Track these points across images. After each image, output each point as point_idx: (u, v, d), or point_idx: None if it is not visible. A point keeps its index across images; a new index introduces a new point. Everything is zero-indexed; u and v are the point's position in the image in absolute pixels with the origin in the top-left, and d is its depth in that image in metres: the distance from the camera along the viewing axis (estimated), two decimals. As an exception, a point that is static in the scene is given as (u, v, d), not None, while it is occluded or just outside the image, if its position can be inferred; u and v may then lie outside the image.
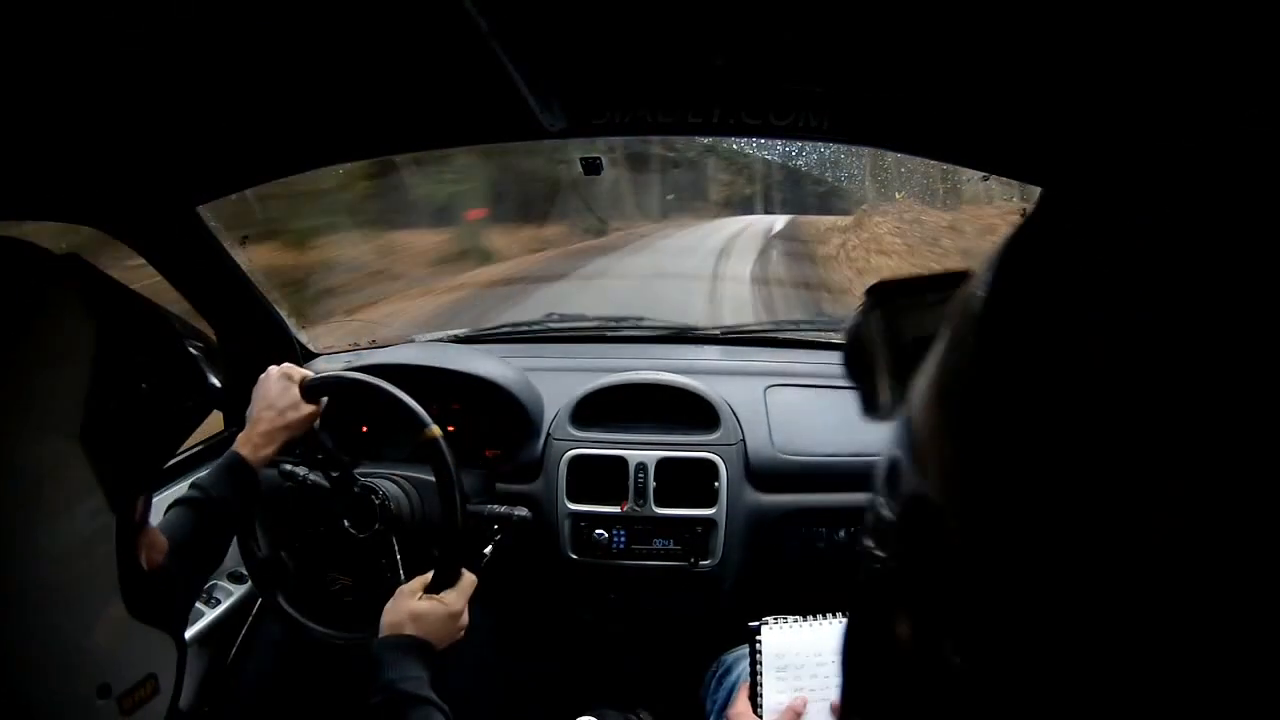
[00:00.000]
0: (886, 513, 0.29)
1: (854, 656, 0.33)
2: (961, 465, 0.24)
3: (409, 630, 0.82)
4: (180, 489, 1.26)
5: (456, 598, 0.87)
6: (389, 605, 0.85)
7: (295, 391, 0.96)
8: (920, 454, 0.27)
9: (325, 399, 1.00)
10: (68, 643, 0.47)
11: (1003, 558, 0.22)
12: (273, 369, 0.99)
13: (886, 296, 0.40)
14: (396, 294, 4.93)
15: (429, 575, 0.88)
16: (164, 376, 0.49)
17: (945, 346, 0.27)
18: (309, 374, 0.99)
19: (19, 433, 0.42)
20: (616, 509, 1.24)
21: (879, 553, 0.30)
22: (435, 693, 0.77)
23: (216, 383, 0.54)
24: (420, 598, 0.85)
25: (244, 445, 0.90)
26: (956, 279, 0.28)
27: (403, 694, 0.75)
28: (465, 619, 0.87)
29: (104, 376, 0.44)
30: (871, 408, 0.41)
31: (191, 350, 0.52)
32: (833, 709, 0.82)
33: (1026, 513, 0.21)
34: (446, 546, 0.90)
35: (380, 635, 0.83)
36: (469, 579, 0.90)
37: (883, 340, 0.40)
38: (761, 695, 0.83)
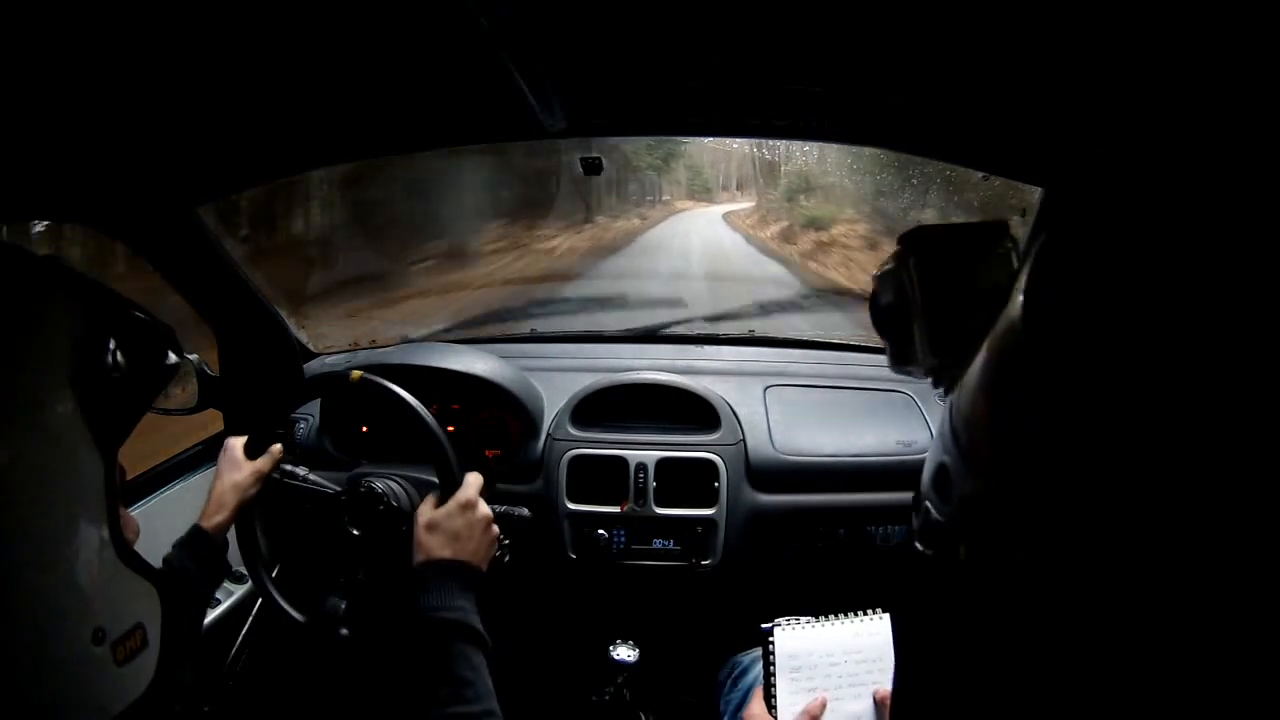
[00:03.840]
0: (935, 515, 0.29)
1: (911, 651, 0.34)
2: (1019, 463, 0.25)
3: (433, 545, 0.80)
4: (180, 488, 1.27)
5: (464, 491, 0.85)
6: (413, 537, 0.84)
7: (237, 454, 1.00)
8: (975, 456, 0.27)
9: (275, 447, 1.02)
10: (64, 580, 0.50)
11: (1059, 546, 0.23)
12: (225, 442, 1.03)
13: (923, 245, 0.38)
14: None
15: (435, 495, 0.87)
16: (132, 342, 0.56)
17: (993, 360, 0.28)
18: (243, 438, 1.02)
19: (25, 380, 0.49)
20: (617, 509, 1.24)
21: (928, 552, 0.30)
22: (482, 618, 0.75)
23: (174, 357, 0.60)
24: (431, 510, 0.84)
25: (202, 518, 0.95)
26: (993, 230, 0.29)
27: (443, 622, 0.73)
28: (485, 511, 0.85)
29: (87, 336, 0.52)
30: (903, 359, 0.40)
31: (150, 325, 0.58)
32: (878, 699, 0.82)
33: (1087, 501, 0.22)
34: (436, 457, 0.90)
35: (414, 562, 0.81)
36: (474, 475, 0.89)
37: (920, 289, 0.38)
38: (776, 697, 0.83)
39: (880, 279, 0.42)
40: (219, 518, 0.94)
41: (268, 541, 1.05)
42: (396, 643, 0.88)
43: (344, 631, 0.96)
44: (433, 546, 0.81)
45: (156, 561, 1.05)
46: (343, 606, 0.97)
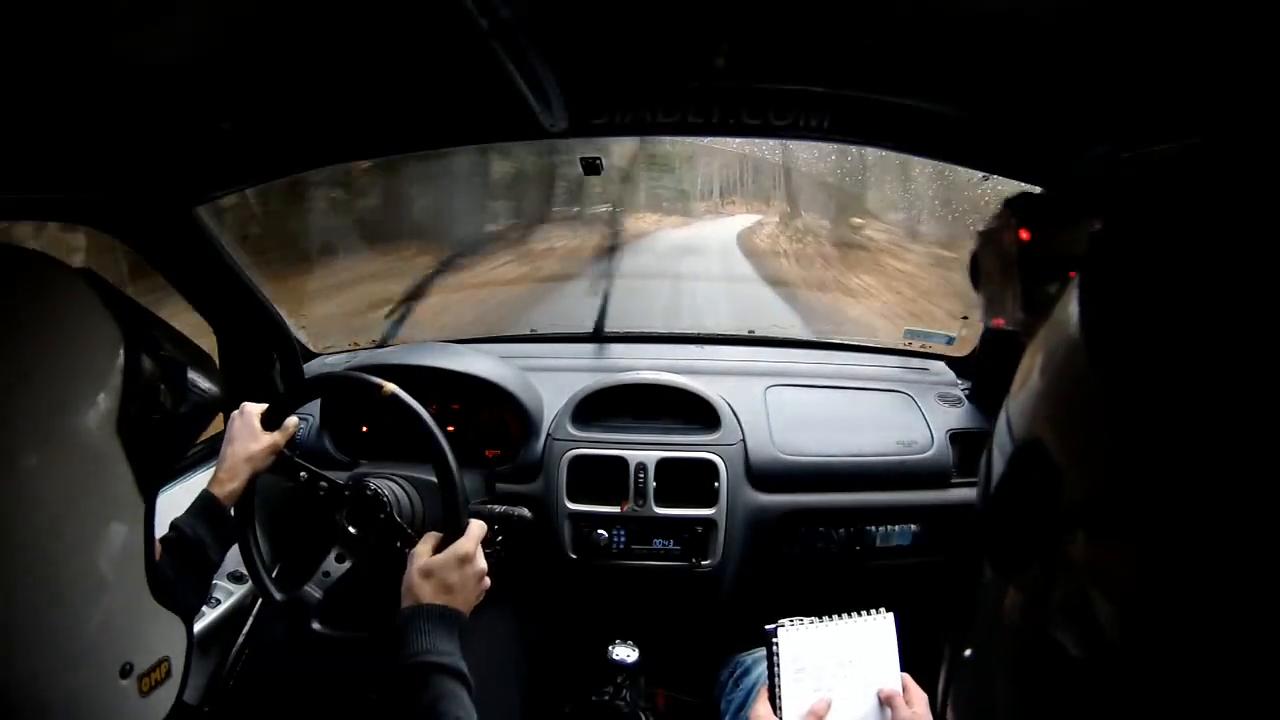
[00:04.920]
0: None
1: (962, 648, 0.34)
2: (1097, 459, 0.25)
3: (425, 592, 0.81)
4: (179, 488, 1.26)
5: (465, 543, 0.86)
6: (406, 574, 0.85)
7: (254, 424, 0.98)
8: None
9: (291, 420, 1.01)
10: (100, 615, 0.51)
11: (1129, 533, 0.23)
12: (241, 406, 1.02)
13: (1028, 209, 0.42)
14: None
15: (437, 534, 0.88)
16: (176, 378, 0.55)
17: (1050, 365, 0.29)
18: (262, 406, 1.00)
19: (70, 417, 0.48)
20: (616, 509, 1.24)
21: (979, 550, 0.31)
22: (465, 660, 0.77)
23: (215, 388, 0.59)
24: (430, 554, 0.85)
25: (213, 484, 0.94)
26: (1093, 206, 0.30)
27: (434, 665, 0.75)
28: (481, 565, 0.86)
29: (131, 371, 0.51)
30: (995, 312, 0.44)
31: (191, 358, 0.58)
32: (883, 698, 0.82)
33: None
34: (446, 498, 0.90)
35: (402, 605, 0.82)
36: (477, 525, 0.89)
37: (1018, 250, 0.42)
38: (781, 698, 0.83)
39: (981, 234, 0.45)
40: (232, 486, 0.93)
41: (261, 516, 1.04)
42: (369, 648, 0.89)
43: (315, 625, 0.96)
44: (424, 593, 0.82)
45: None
46: (319, 597, 0.97)
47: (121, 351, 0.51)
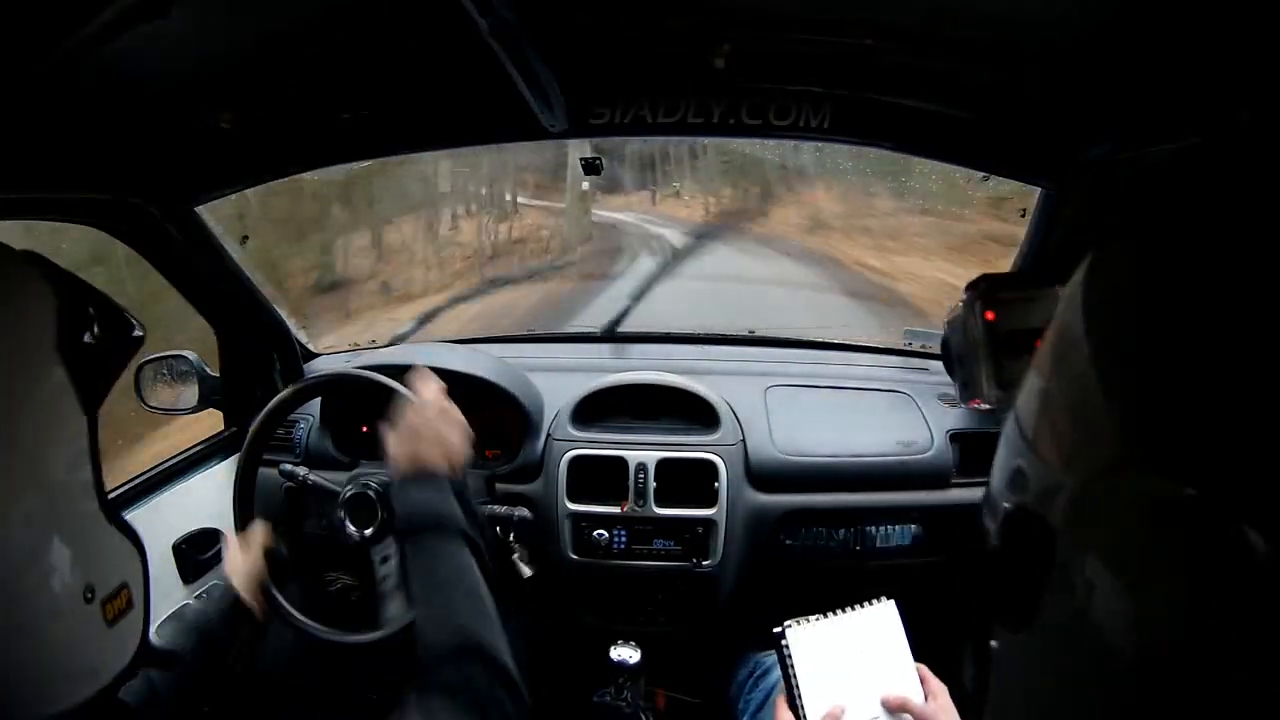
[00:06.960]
0: (1012, 509, 0.30)
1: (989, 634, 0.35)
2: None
3: (402, 463, 0.78)
4: (181, 486, 1.26)
5: (410, 393, 0.85)
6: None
7: (233, 553, 0.99)
8: (1052, 453, 0.28)
9: (258, 530, 1.01)
10: (58, 534, 0.53)
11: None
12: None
13: (989, 290, 0.43)
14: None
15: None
16: (105, 318, 0.60)
17: (1055, 364, 0.29)
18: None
19: (17, 347, 0.53)
20: (617, 509, 1.24)
21: (1009, 542, 0.31)
22: (470, 514, 0.74)
23: (140, 331, 0.64)
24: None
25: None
26: (1050, 276, 0.31)
27: (404, 530, 0.71)
28: (440, 403, 0.83)
29: (66, 312, 0.56)
30: (972, 393, 0.45)
31: (114, 305, 0.62)
32: (893, 705, 0.81)
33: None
34: (377, 388, 0.94)
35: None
36: (419, 370, 0.89)
37: (985, 331, 0.43)
38: (801, 701, 0.82)
39: (949, 324, 0.47)
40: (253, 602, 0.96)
41: (291, 572, 1.05)
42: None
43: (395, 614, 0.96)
44: (401, 464, 0.78)
45: (167, 546, 1.14)
46: (392, 608, 0.97)
47: (53, 294, 0.56)
